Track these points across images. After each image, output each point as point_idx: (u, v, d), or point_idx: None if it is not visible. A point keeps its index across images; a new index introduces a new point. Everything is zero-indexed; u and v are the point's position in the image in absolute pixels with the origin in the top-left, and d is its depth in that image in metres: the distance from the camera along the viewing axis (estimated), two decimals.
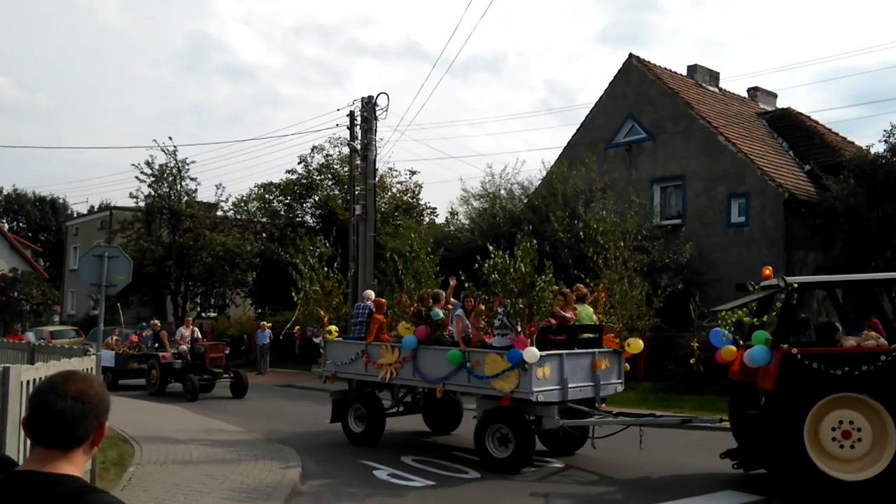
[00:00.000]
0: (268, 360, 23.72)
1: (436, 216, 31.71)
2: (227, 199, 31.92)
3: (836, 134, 22.74)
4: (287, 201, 31.66)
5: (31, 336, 24.07)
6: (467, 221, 21.15)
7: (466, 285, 9.78)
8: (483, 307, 9.55)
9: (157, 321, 20.66)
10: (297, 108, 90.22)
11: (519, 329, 8.69)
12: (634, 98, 21.50)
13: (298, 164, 30.97)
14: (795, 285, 7.69)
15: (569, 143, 22.74)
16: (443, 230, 22.47)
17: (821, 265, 18.74)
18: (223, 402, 16.09)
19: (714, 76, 24.18)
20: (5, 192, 57.07)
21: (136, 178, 29.28)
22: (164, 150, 29.44)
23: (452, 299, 10.40)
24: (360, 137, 22.16)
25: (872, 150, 18.30)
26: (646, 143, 21.10)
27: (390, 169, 32.06)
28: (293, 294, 11.49)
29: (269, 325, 24.19)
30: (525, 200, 20.09)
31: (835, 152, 20.43)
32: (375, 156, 22.05)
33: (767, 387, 7.48)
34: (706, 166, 19.85)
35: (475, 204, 21.14)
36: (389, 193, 31.07)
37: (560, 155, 22.41)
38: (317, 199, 31.08)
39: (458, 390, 10.10)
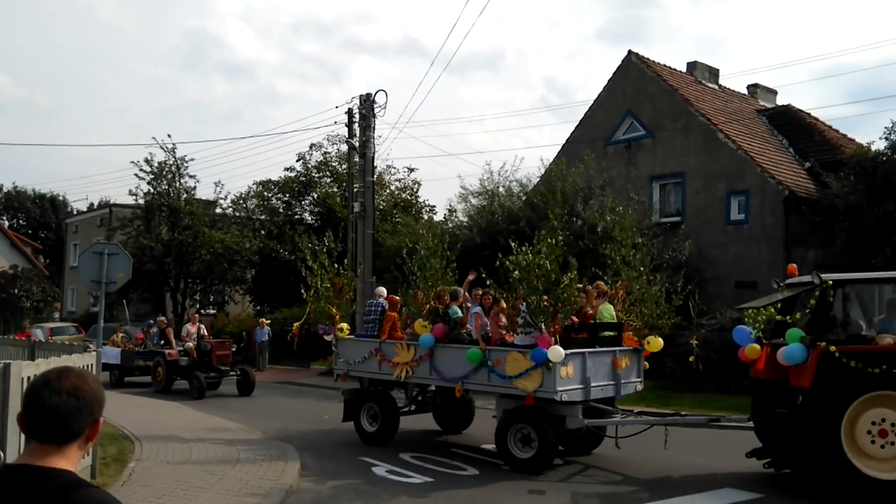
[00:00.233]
0: (266, 357, 23.75)
1: (434, 214, 31.74)
2: (226, 197, 31.97)
3: (837, 131, 22.74)
4: (286, 199, 31.66)
5: (39, 332, 24.00)
6: (466, 219, 21.15)
7: (488, 282, 9.63)
8: (504, 304, 9.37)
9: (163, 318, 20.53)
10: (295, 106, 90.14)
11: (542, 327, 8.52)
12: (633, 95, 21.49)
13: (297, 161, 30.99)
14: (830, 282, 7.63)
15: (567, 141, 22.73)
16: (441, 228, 22.47)
17: (821, 263, 18.71)
18: (225, 400, 16.03)
19: (714, 73, 24.15)
20: (5, 190, 57.03)
21: (136, 175, 29.32)
22: (163, 148, 29.48)
23: (465, 294, 10.27)
24: (358, 135, 22.14)
25: (873, 148, 18.30)
26: (645, 141, 21.09)
27: (389, 166, 32.06)
28: (303, 291, 11.24)
29: (268, 321, 24.20)
30: (524, 198, 20.09)
31: (835, 149, 20.43)
32: (374, 153, 22.03)
33: (804, 385, 7.40)
34: (705, 163, 19.84)
35: (474, 201, 21.17)
36: (388, 191, 31.06)
37: (559, 152, 22.40)
38: (315, 196, 31.08)
39: (477, 389, 9.86)
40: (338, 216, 27.93)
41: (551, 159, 21.85)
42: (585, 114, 22.73)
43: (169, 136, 48.10)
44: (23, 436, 5.14)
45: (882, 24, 71.39)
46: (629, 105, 21.48)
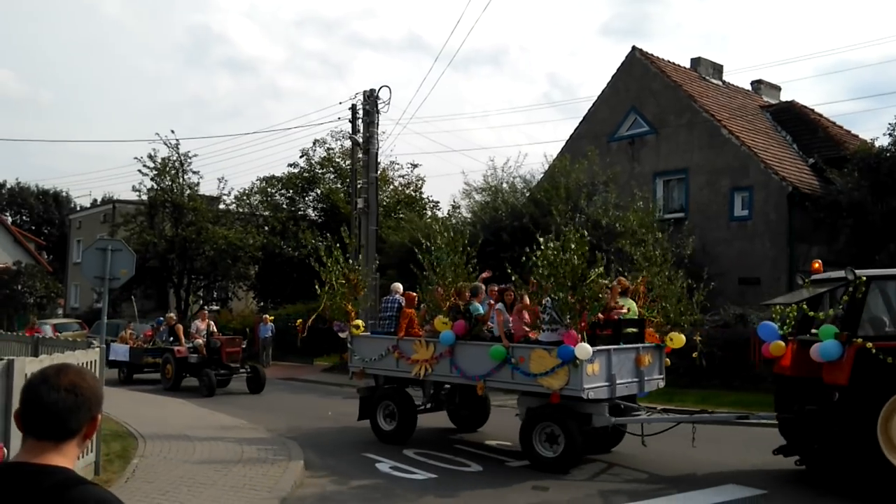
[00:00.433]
0: (270, 354, 23.77)
1: (438, 210, 31.74)
2: (230, 193, 32.04)
3: (841, 127, 22.64)
4: (289, 195, 31.68)
5: (48, 329, 23.98)
6: (469, 215, 21.13)
7: (513, 278, 9.46)
8: (528, 300, 9.19)
9: (172, 314, 20.45)
10: (298, 102, 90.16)
11: (567, 323, 8.35)
12: (637, 91, 21.42)
13: (300, 157, 31.04)
14: (864, 278, 7.56)
15: (571, 137, 22.68)
16: (445, 224, 22.46)
17: (824, 259, 18.65)
18: (230, 397, 15.96)
19: (717, 69, 24.06)
20: (9, 186, 57.16)
21: (139, 171, 29.37)
22: (166, 144, 29.52)
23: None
24: (361, 131, 22.13)
25: (877, 144, 18.24)
26: (649, 137, 21.03)
27: (392, 162, 32.06)
28: (317, 287, 11.07)
29: (272, 318, 24.21)
30: (527, 194, 20.05)
31: (839, 146, 20.36)
32: (377, 149, 22.03)
33: (841, 382, 7.34)
34: (709, 159, 19.78)
35: (477, 197, 21.13)
36: (391, 187, 31.06)
37: (562, 148, 22.36)
38: (319, 192, 31.09)
39: (500, 387, 9.64)
40: (341, 212, 27.94)
41: (555, 155, 21.82)
42: (589, 110, 22.67)
43: (172, 131, 48.07)
44: None
45: (886, 20, 71.07)
46: (633, 101, 21.41)
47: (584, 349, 8.03)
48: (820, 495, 7.68)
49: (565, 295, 8.29)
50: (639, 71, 21.61)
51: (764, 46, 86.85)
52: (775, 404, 8.58)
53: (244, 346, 17.46)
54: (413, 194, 31.90)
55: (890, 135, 17.39)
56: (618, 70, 22.05)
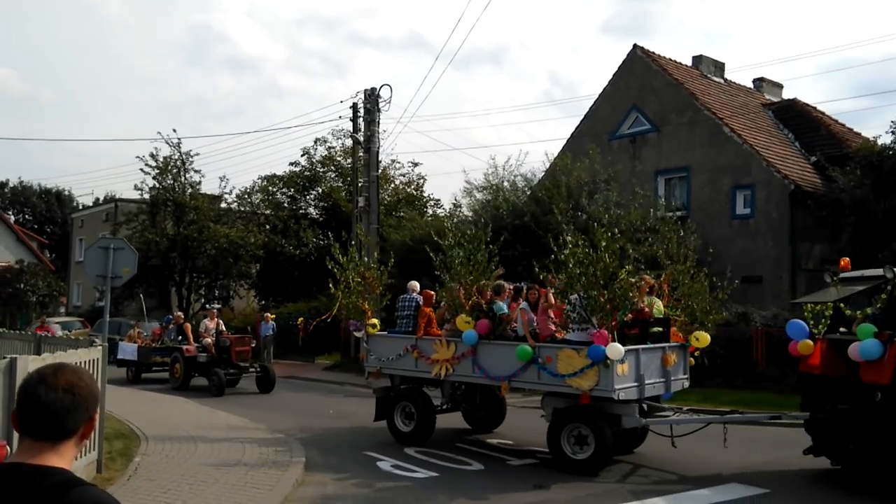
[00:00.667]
0: (271, 352, 23.76)
1: (439, 208, 31.72)
2: (231, 192, 32.04)
3: (843, 125, 22.59)
4: (290, 193, 31.69)
5: (58, 327, 23.87)
6: (470, 214, 21.12)
7: (542, 276, 9.30)
8: (553, 299, 9.00)
9: (180, 313, 20.31)
10: (299, 100, 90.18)
11: (596, 323, 8.21)
12: (639, 89, 21.39)
13: (301, 156, 31.04)
14: None
15: (572, 135, 22.66)
16: (445, 222, 22.46)
17: (826, 257, 18.63)
18: (234, 396, 15.86)
19: (719, 67, 24.02)
20: (11, 185, 57.26)
21: (141, 170, 29.38)
22: (168, 143, 29.53)
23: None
24: (363, 129, 22.14)
25: (879, 142, 18.19)
26: (650, 135, 21.01)
27: (393, 161, 32.04)
28: (331, 286, 10.86)
29: (273, 316, 24.21)
30: (528, 192, 20.04)
31: (841, 144, 20.31)
32: (378, 147, 22.05)
33: (883, 381, 7.24)
34: (711, 158, 19.75)
35: (478, 196, 21.12)
36: (392, 186, 31.05)
37: (563, 146, 22.35)
38: (320, 191, 31.10)
39: (525, 388, 9.51)
40: (342, 211, 27.94)
41: (556, 154, 21.81)
42: (590, 108, 22.65)
43: (174, 130, 48.19)
44: None
45: (889, 17, 70.87)
46: (634, 99, 21.38)
47: (615, 349, 7.87)
48: (821, 494, 7.67)
49: (597, 294, 8.14)
50: (640, 69, 21.58)
51: (766, 44, 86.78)
52: (802, 404, 8.44)
53: (254, 346, 17.25)
54: (414, 193, 31.89)
55: (892, 133, 17.37)
56: (619, 68, 22.02)
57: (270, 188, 31.84)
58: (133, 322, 22.48)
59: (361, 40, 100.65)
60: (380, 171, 23.66)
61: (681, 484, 8.02)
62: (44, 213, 57.14)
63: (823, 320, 8.13)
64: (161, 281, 30.45)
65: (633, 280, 8.71)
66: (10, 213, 53.21)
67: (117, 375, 17.39)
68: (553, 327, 8.93)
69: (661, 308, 9.35)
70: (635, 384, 8.37)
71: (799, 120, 22.17)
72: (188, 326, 17.58)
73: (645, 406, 8.83)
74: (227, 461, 8.42)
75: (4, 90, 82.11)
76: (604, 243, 8.24)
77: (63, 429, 1.67)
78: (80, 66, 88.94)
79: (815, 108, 22.97)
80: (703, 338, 9.25)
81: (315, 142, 30.95)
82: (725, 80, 23.93)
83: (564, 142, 22.76)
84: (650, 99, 21.12)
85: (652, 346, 8.80)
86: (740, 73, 53.57)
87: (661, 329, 9.14)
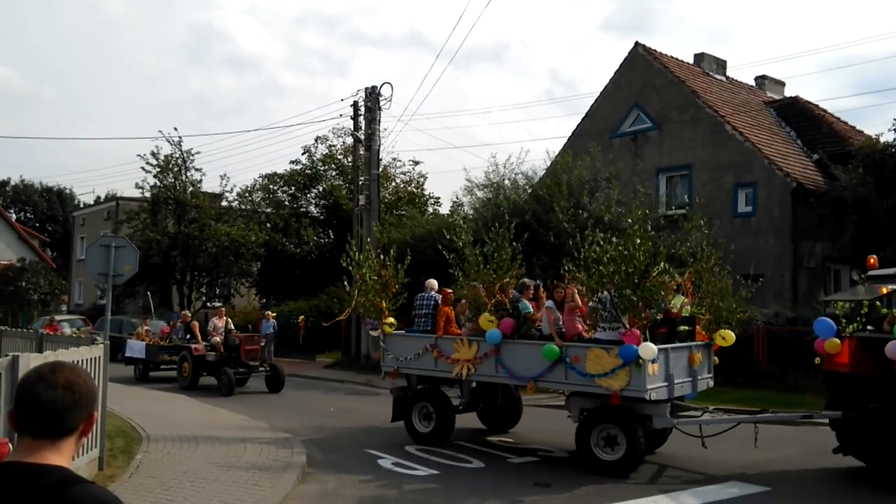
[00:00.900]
0: (272, 350, 23.78)
1: (440, 206, 31.73)
2: (232, 190, 32.06)
3: (845, 123, 22.55)
4: (291, 192, 31.69)
5: (67, 326, 23.89)
6: (471, 212, 21.11)
7: (576, 274, 9.09)
8: (579, 299, 8.82)
9: (187, 311, 20.18)
10: (300, 98, 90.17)
11: (625, 322, 8.07)
12: (640, 87, 21.35)
13: (302, 154, 31.03)
14: None
15: (573, 133, 22.63)
16: (446, 220, 22.46)
17: (828, 255, 18.63)
18: (237, 394, 15.78)
19: (721, 64, 23.98)
20: (13, 183, 57.38)
21: (142, 168, 29.44)
22: (169, 141, 29.56)
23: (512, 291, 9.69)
24: (363, 127, 22.11)
25: (882, 140, 18.16)
26: (651, 133, 20.97)
27: (394, 159, 32.04)
28: (346, 284, 10.74)
29: (274, 314, 24.24)
30: (529, 190, 20.01)
31: (843, 141, 20.28)
32: (379, 146, 22.01)
33: None
34: (713, 155, 19.72)
35: (479, 194, 21.09)
36: (393, 184, 31.04)
37: (564, 145, 22.31)
38: (321, 189, 31.09)
39: (552, 388, 9.36)
40: (343, 209, 27.93)
41: (557, 152, 21.78)
42: (591, 106, 22.61)
43: (175, 129, 48.21)
44: None
45: (891, 15, 70.72)
46: (636, 97, 21.35)
47: (648, 349, 7.72)
48: (823, 492, 7.67)
49: (630, 292, 7.97)
50: (641, 66, 21.54)
51: (768, 42, 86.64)
52: (828, 402, 8.38)
53: (262, 345, 17.10)
54: (415, 191, 31.89)
55: (895, 130, 17.33)
56: (620, 66, 21.98)
57: (271, 186, 31.85)
58: (140, 320, 22.46)
59: (362, 38, 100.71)
60: (380, 169, 23.64)
61: (682, 482, 8.02)
62: (45, 211, 57.24)
63: (859, 318, 8.02)
64: (162, 279, 30.50)
65: (665, 279, 8.54)
66: (12, 211, 53.31)
67: (125, 374, 17.37)
68: (581, 326, 8.78)
69: (687, 307, 9.19)
70: (665, 384, 8.24)
71: (801, 118, 22.13)
72: (196, 325, 17.44)
73: (683, 404, 8.72)
74: (228, 459, 8.42)
75: (6, 88, 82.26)
76: (637, 240, 8.07)
77: (63, 426, 1.67)
78: (81, 65, 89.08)
79: (817, 105, 22.94)
80: (728, 337, 9.13)
81: (316, 140, 30.98)
82: (727, 77, 23.89)
83: (565, 140, 22.73)
84: (651, 97, 21.09)
85: (680, 345, 8.68)
86: (742, 71, 53.45)
87: (687, 328, 9.03)
